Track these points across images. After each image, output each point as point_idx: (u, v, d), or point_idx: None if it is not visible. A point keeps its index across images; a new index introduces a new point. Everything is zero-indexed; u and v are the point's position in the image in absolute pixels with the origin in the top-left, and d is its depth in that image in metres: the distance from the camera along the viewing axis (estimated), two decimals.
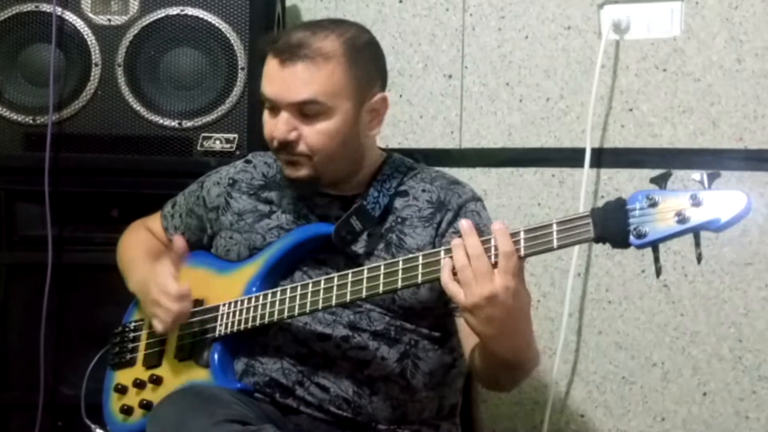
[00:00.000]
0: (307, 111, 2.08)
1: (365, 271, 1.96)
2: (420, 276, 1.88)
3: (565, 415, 3.05)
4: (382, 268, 1.93)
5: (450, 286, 1.77)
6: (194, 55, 2.78)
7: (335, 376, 2.12)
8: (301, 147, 2.11)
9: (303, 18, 3.28)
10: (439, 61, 3.16)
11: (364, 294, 1.96)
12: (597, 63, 2.93)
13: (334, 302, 2.01)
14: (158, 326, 2.19)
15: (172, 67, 2.79)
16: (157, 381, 2.26)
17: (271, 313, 2.10)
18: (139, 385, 2.29)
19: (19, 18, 2.78)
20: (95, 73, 2.77)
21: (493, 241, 1.75)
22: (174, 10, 2.76)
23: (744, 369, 2.84)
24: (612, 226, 1.65)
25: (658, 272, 1.65)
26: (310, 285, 2.05)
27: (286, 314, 2.07)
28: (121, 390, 2.32)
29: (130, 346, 2.38)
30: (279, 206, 2.27)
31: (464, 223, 1.78)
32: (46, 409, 2.85)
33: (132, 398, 2.30)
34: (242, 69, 2.75)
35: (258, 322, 2.12)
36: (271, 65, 2.11)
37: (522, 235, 1.75)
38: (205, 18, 2.75)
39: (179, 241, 2.24)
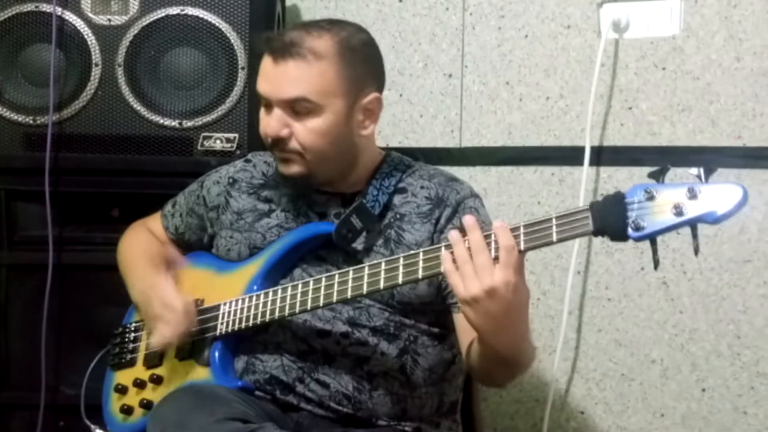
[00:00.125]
0: (298, 108, 2.10)
1: (366, 268, 1.97)
2: (420, 271, 1.88)
3: (565, 412, 3.06)
4: (383, 264, 1.94)
5: (453, 276, 1.78)
6: (194, 55, 2.78)
7: (335, 372, 2.13)
8: (293, 144, 2.13)
9: (303, 18, 3.28)
10: (439, 61, 3.17)
11: (365, 290, 1.97)
12: (596, 62, 2.94)
13: (335, 299, 2.02)
14: (160, 342, 2.19)
15: (173, 67, 2.79)
16: (157, 380, 2.26)
17: (272, 311, 2.10)
18: (140, 384, 2.29)
19: (19, 18, 2.78)
20: (95, 73, 2.78)
21: (493, 236, 1.76)
22: (174, 10, 2.76)
23: (742, 365, 2.84)
24: (610, 219, 1.66)
25: (656, 264, 1.66)
26: (311, 283, 2.06)
27: (287, 312, 2.08)
28: (122, 390, 2.32)
29: (131, 346, 2.38)
30: (278, 205, 2.28)
31: (468, 219, 1.79)
32: (47, 409, 2.85)
33: (132, 398, 2.30)
34: (242, 69, 2.75)
35: (259, 320, 2.13)
36: (266, 63, 2.14)
37: (522, 230, 1.76)
38: (206, 18, 2.75)
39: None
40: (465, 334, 2.05)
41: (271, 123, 2.12)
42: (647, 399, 2.95)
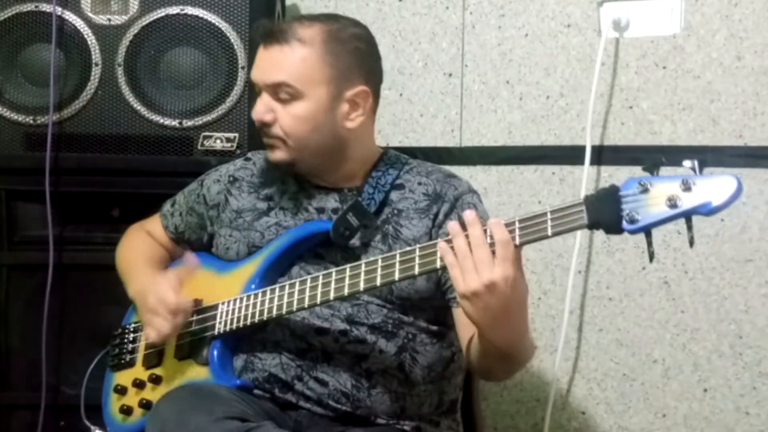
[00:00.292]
0: (281, 94, 2.15)
1: (363, 265, 1.98)
2: (417, 267, 1.88)
3: (566, 412, 3.05)
4: (380, 261, 1.95)
5: (453, 270, 1.78)
6: (194, 55, 2.78)
7: (333, 370, 2.13)
8: (276, 129, 2.17)
9: None
10: (440, 60, 3.17)
11: (362, 287, 1.97)
12: (597, 60, 2.93)
13: (332, 296, 2.02)
14: (152, 335, 2.19)
15: (173, 67, 2.79)
16: (156, 380, 2.26)
17: (270, 310, 2.11)
18: (139, 385, 2.29)
19: (19, 18, 2.78)
20: (95, 72, 2.78)
21: (488, 231, 1.76)
22: (174, 10, 2.76)
23: (744, 365, 2.83)
24: (605, 212, 1.67)
25: (651, 257, 1.66)
26: (309, 280, 2.07)
27: (284, 310, 2.09)
28: (121, 390, 2.32)
29: (130, 347, 2.38)
30: (277, 202, 2.29)
31: (468, 214, 1.79)
32: (47, 408, 2.85)
33: (131, 398, 2.30)
34: (242, 68, 2.75)
35: (257, 318, 2.13)
36: (259, 50, 2.19)
37: (517, 224, 1.77)
38: (205, 17, 2.75)
39: (192, 259, 2.27)
40: (465, 329, 2.06)
41: (257, 107, 2.18)
42: (649, 399, 2.95)
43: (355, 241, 2.16)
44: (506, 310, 1.78)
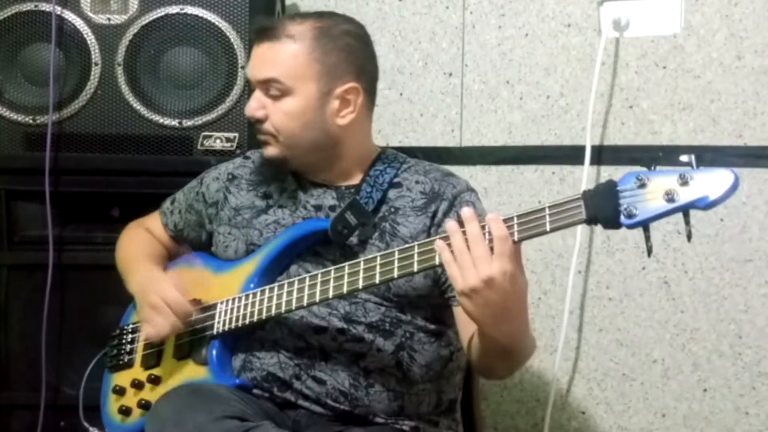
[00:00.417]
0: (271, 90, 2.17)
1: (361, 263, 1.98)
2: (416, 264, 1.88)
3: (566, 412, 3.05)
4: (378, 258, 1.95)
5: (451, 267, 1.77)
6: (194, 54, 2.78)
7: (332, 368, 2.12)
8: (267, 125, 2.20)
9: None
10: (440, 59, 3.17)
11: (360, 285, 1.97)
12: (597, 60, 2.93)
13: (331, 294, 2.02)
14: (151, 332, 2.19)
15: (172, 66, 2.79)
16: (155, 381, 2.26)
17: (268, 309, 2.11)
18: (138, 385, 2.29)
19: (19, 17, 2.78)
20: (95, 72, 2.78)
21: (486, 227, 1.76)
22: (174, 9, 2.76)
23: (744, 365, 2.83)
24: (603, 207, 1.67)
25: (649, 251, 1.67)
26: (307, 279, 2.07)
27: (283, 309, 2.09)
28: (119, 391, 2.32)
29: (128, 348, 2.38)
30: (276, 200, 2.29)
31: (465, 211, 1.79)
32: (47, 408, 2.85)
33: (130, 399, 2.30)
34: (242, 68, 2.75)
35: (255, 318, 2.13)
36: (253, 48, 2.23)
37: (515, 220, 1.77)
38: (205, 17, 2.75)
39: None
40: (465, 327, 2.06)
41: (250, 104, 2.21)
42: (648, 399, 2.94)
43: (353, 239, 2.16)
44: (505, 305, 1.78)
